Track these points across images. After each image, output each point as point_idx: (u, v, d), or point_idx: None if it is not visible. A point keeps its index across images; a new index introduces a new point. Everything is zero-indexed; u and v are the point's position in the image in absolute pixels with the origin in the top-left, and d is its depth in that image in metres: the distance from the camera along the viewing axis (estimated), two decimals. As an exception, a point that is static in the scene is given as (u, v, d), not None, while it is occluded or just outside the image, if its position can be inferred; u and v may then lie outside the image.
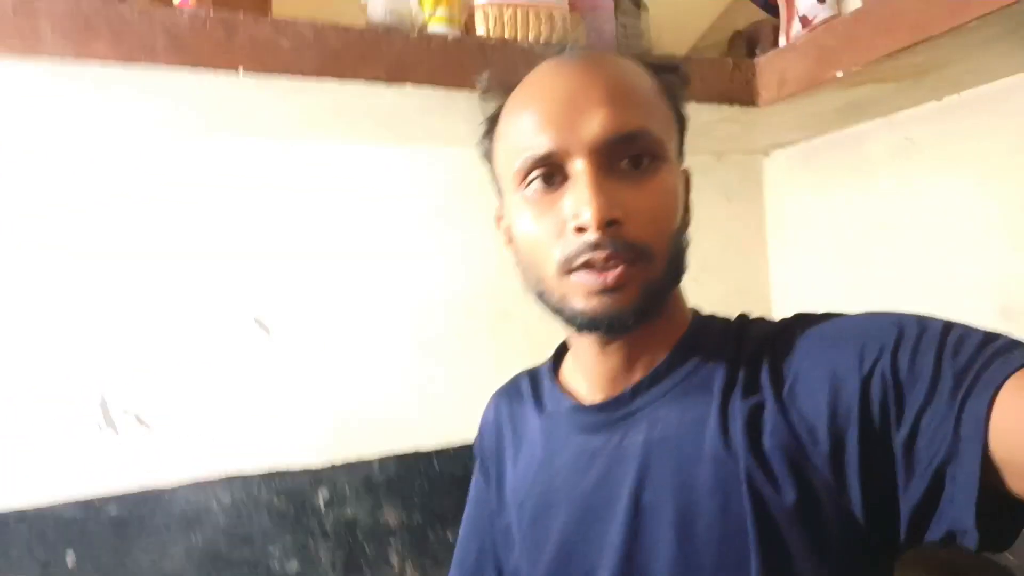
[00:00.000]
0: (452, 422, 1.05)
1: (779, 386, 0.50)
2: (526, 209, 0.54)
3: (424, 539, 1.03)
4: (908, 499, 0.43)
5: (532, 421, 0.66)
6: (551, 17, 0.84)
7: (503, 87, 0.59)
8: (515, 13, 0.83)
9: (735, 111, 0.97)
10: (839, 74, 0.83)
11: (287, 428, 0.98)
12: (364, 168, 1.04)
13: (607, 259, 0.49)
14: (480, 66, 0.80)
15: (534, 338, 1.09)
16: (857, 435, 0.45)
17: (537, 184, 0.53)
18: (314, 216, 1.01)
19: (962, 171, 0.94)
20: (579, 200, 0.50)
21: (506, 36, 0.82)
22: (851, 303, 1.09)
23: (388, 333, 1.03)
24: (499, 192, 0.62)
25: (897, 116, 1.04)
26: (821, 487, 0.47)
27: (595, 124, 0.51)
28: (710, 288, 1.21)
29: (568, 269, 0.51)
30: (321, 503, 0.98)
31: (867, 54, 0.80)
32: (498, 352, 1.08)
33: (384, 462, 1.02)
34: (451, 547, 1.04)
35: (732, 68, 0.94)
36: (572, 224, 0.51)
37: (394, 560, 1.01)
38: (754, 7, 1.11)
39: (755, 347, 0.54)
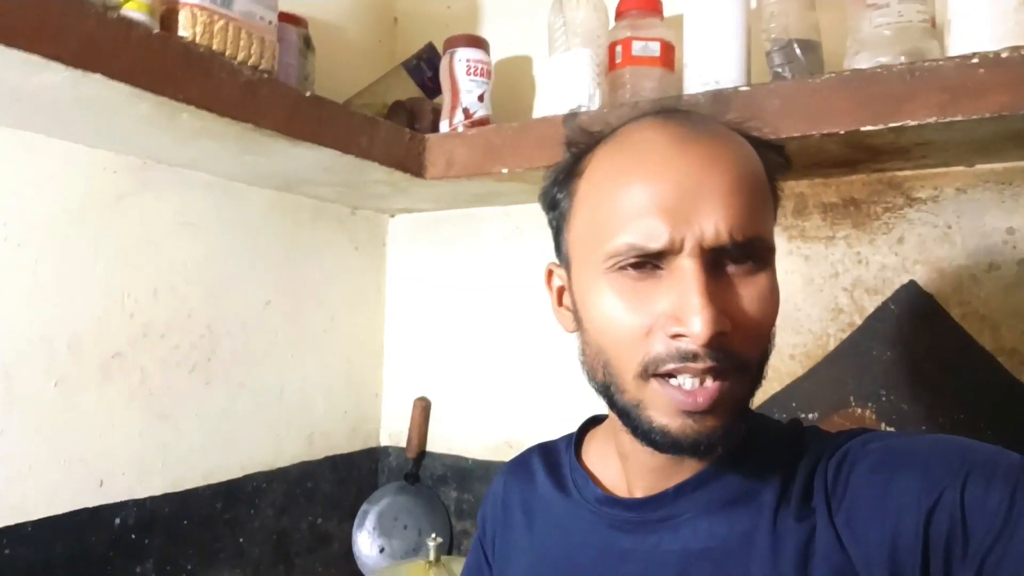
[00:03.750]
0: (37, 492, 0.81)
1: (835, 508, 0.47)
2: (612, 295, 0.48)
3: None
4: None
5: (550, 506, 0.58)
6: (261, 41, 0.77)
7: (591, 135, 0.52)
8: (226, 26, 0.73)
9: (400, 177, 1.02)
10: (504, 170, 0.96)
11: None
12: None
13: (705, 371, 0.45)
14: (183, 72, 0.68)
15: (153, 386, 0.93)
16: (919, 574, 0.42)
17: (628, 267, 0.47)
18: None
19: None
20: (685, 306, 0.45)
21: (214, 47, 0.72)
22: (452, 354, 1.25)
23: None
24: (565, 254, 0.54)
25: (511, 208, 1.24)
26: None
27: (713, 225, 0.45)
28: (335, 336, 1.23)
29: (653, 373, 0.46)
30: None
31: (528, 161, 0.95)
32: (109, 404, 0.88)
33: (-83, 556, 0.73)
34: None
35: (408, 138, 1.00)
36: (672, 329, 0.45)
37: None
38: (411, 82, 1.20)
39: (811, 461, 0.50)
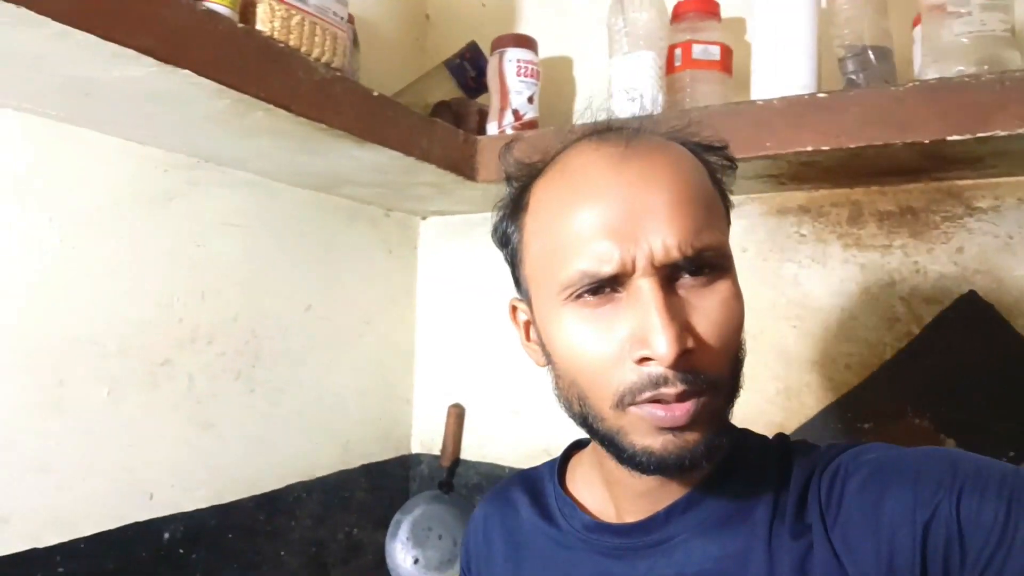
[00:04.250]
0: (89, 505, 0.77)
1: (831, 524, 0.47)
2: (575, 325, 0.47)
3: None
4: None
5: (535, 536, 0.56)
6: (335, 38, 0.74)
7: (529, 167, 0.51)
8: (303, 21, 0.70)
9: (451, 180, 0.99)
10: (561, 174, 0.94)
11: None
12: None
13: (678, 396, 0.44)
14: (264, 69, 0.65)
15: (199, 394, 0.90)
16: None
17: (585, 295, 0.47)
18: None
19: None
20: (647, 327, 0.44)
21: (290, 42, 0.69)
22: (486, 359, 1.22)
23: None
24: (524, 289, 0.53)
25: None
26: None
27: (661, 242, 0.45)
28: (368, 341, 1.20)
29: (629, 403, 0.45)
30: None
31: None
32: (157, 413, 0.85)
33: (-32, 575, 0.69)
34: None
35: (463, 140, 0.97)
36: (637, 353, 0.44)
37: None
38: (450, 82, 1.18)
39: (803, 476, 0.50)
